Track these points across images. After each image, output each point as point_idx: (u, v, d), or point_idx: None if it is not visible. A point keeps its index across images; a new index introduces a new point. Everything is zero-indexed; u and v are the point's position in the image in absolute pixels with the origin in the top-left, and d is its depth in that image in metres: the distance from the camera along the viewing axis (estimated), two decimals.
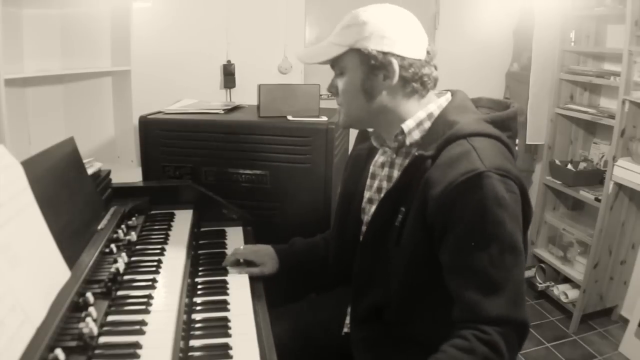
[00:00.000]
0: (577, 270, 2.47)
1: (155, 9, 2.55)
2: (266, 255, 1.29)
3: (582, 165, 2.54)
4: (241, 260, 1.28)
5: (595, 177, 2.46)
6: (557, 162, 2.59)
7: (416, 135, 1.01)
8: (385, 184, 1.10)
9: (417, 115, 1.01)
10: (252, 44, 2.72)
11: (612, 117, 2.21)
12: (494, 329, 0.84)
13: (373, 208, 1.11)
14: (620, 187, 2.21)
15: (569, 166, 2.54)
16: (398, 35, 0.97)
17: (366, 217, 1.14)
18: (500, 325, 0.84)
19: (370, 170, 1.14)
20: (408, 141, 1.01)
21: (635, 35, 2.06)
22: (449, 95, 1.06)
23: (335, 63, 1.03)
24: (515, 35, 2.99)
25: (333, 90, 1.06)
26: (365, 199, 1.14)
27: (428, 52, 1.00)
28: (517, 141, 1.04)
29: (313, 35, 2.81)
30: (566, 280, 2.55)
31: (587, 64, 2.55)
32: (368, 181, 1.14)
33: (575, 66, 2.52)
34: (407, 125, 1.00)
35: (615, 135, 2.16)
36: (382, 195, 1.07)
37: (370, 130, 1.13)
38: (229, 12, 2.66)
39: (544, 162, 2.68)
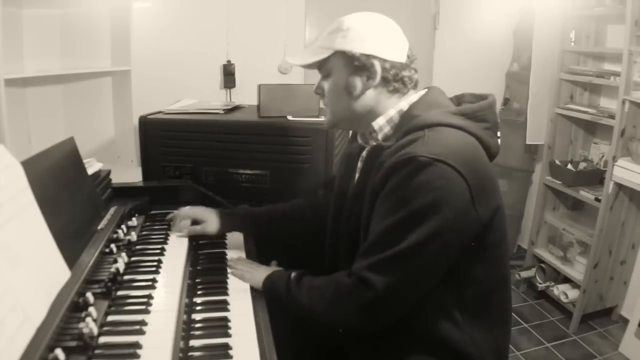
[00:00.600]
0: (577, 270, 2.47)
1: (155, 9, 2.55)
2: (207, 215, 1.35)
3: (582, 165, 2.54)
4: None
5: (595, 177, 2.46)
6: (557, 162, 2.59)
7: (388, 132, 1.06)
8: None
9: (388, 112, 1.06)
10: (252, 44, 2.72)
11: (612, 117, 2.21)
12: (349, 276, 0.97)
13: None
14: (620, 187, 2.21)
15: (569, 166, 2.54)
16: (380, 40, 1.03)
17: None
18: (352, 276, 0.96)
19: (358, 166, 1.16)
20: (380, 137, 1.06)
21: (635, 35, 2.06)
22: (423, 92, 1.09)
23: (321, 66, 1.09)
24: (515, 35, 2.99)
25: (319, 91, 1.13)
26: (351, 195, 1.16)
27: (408, 56, 1.06)
28: (498, 133, 1.05)
29: (313, 35, 2.81)
30: (566, 280, 2.55)
31: (587, 64, 2.55)
32: (356, 176, 1.15)
33: (575, 66, 2.52)
34: (377, 123, 1.06)
35: (615, 135, 2.16)
36: None
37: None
38: (229, 12, 2.66)
39: (544, 162, 2.68)
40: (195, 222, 1.34)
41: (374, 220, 0.97)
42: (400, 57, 1.04)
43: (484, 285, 0.99)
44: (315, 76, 1.13)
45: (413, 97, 1.07)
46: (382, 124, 1.06)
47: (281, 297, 1.07)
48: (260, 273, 1.14)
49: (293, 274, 1.09)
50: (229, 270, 1.20)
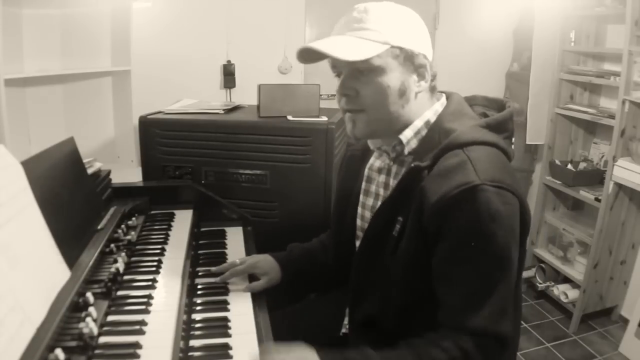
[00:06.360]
0: (577, 270, 2.47)
1: (155, 9, 2.55)
2: (267, 265, 1.23)
3: (582, 165, 2.54)
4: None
5: (595, 177, 2.46)
6: (557, 162, 2.59)
7: (414, 144, 0.99)
8: (382, 191, 1.07)
9: (415, 124, 0.99)
10: (252, 44, 2.72)
11: (612, 117, 2.21)
12: (472, 339, 0.85)
13: (368, 213, 1.10)
14: (620, 187, 2.21)
15: (569, 166, 2.54)
16: (423, 34, 0.97)
17: (360, 222, 1.13)
18: (478, 337, 0.85)
19: (366, 174, 1.11)
20: (406, 151, 1.00)
21: (635, 35, 2.06)
22: (443, 99, 1.03)
23: (367, 62, 0.91)
24: (515, 35, 2.99)
25: (352, 92, 0.96)
26: (360, 203, 1.13)
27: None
28: (513, 140, 1.03)
29: (313, 35, 2.81)
30: (566, 280, 2.55)
31: (587, 64, 2.55)
32: (363, 184, 1.12)
33: (575, 66, 2.52)
34: (405, 136, 0.98)
35: (615, 135, 2.16)
36: (378, 202, 1.06)
37: None
38: (229, 12, 2.66)
39: (544, 162, 2.68)
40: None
41: (450, 261, 0.88)
42: (431, 53, 0.98)
43: None
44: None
45: (437, 106, 1.00)
46: (409, 137, 0.98)
47: None
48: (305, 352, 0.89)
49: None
50: None
